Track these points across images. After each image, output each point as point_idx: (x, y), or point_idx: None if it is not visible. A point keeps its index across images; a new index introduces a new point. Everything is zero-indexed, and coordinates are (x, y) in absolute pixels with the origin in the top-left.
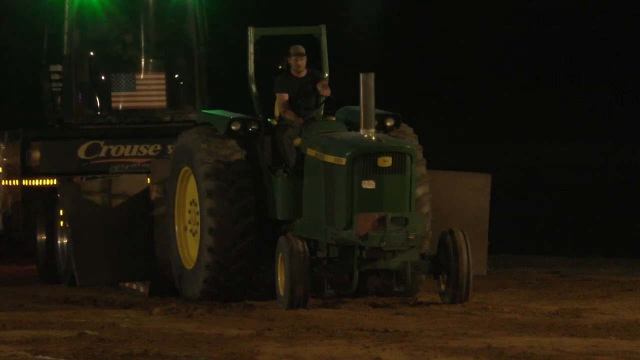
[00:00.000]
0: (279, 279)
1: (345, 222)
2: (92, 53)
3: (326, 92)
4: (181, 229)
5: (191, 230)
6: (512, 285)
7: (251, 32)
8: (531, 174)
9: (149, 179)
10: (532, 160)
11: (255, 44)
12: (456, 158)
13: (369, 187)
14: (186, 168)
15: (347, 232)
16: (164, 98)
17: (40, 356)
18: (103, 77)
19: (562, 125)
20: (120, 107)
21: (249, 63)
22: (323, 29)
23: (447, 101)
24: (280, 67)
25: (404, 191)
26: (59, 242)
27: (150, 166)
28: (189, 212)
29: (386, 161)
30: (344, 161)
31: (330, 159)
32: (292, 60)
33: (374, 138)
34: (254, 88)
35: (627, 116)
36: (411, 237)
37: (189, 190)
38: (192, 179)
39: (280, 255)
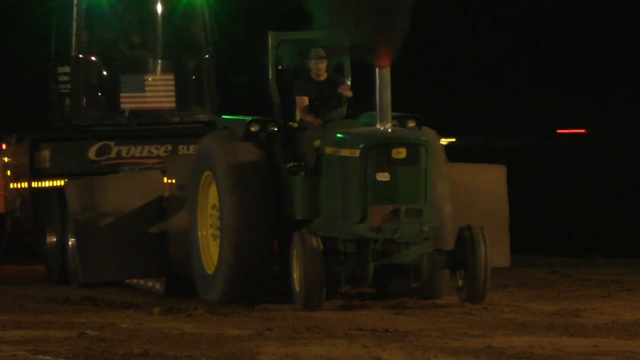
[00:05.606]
0: (294, 275)
1: (359, 215)
2: (100, 54)
3: (348, 93)
4: (203, 234)
5: (213, 235)
6: (512, 285)
7: (271, 36)
8: (531, 174)
9: (165, 178)
10: (531, 159)
11: (275, 49)
12: (455, 157)
13: (384, 179)
14: (207, 172)
15: (361, 226)
16: (173, 99)
17: (40, 356)
18: (111, 78)
19: (562, 125)
20: (129, 108)
21: (270, 68)
22: (346, 32)
23: (446, 99)
24: (280, 67)
25: (419, 183)
26: (70, 243)
27: (165, 161)
28: (211, 216)
29: (400, 152)
30: (357, 153)
31: (345, 152)
32: (312, 64)
33: (393, 130)
34: (274, 93)
35: (627, 116)
36: (425, 228)
37: (211, 195)
38: (214, 184)
39: (295, 252)
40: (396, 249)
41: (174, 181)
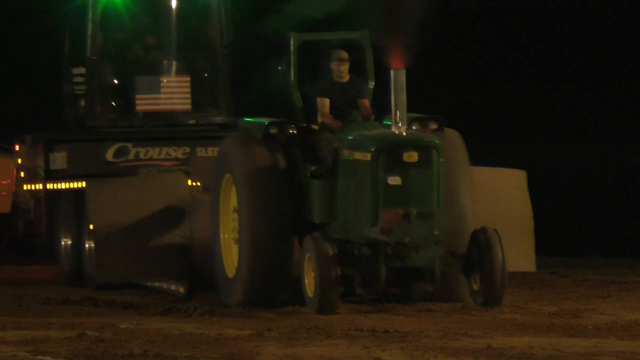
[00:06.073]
0: (306, 281)
1: (371, 218)
2: (115, 55)
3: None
4: (225, 237)
5: (234, 238)
6: (512, 285)
7: (293, 37)
8: (531, 174)
9: (190, 181)
10: (532, 160)
11: (297, 51)
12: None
13: (395, 182)
14: (228, 175)
15: (373, 229)
16: (189, 101)
17: (40, 356)
18: (126, 80)
19: (562, 125)
20: (144, 109)
21: (291, 71)
22: (368, 33)
23: (446, 100)
24: (279, 67)
25: (431, 186)
26: (86, 245)
27: (191, 163)
28: (232, 219)
29: (412, 156)
30: (369, 156)
31: (357, 155)
32: (334, 65)
33: (404, 133)
34: (296, 96)
35: (627, 116)
36: (436, 232)
37: (232, 197)
38: (235, 186)
39: (308, 256)
40: (406, 253)
41: (199, 184)
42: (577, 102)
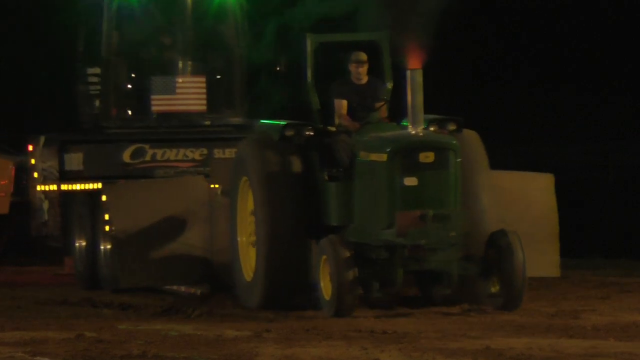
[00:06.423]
0: (322, 283)
1: (387, 220)
2: (130, 55)
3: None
4: (242, 240)
5: (251, 241)
6: None
7: (309, 39)
8: None
9: (210, 184)
10: (531, 160)
11: (315, 52)
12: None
13: (411, 184)
14: (245, 178)
15: (389, 232)
16: (204, 102)
17: (38, 357)
18: (142, 80)
19: (562, 125)
20: (159, 110)
21: (308, 72)
22: (386, 34)
23: (446, 100)
24: (277, 68)
25: (448, 187)
26: (102, 247)
27: (211, 165)
28: (250, 222)
29: (428, 157)
30: (385, 157)
31: (373, 156)
32: (352, 67)
33: (420, 134)
34: (313, 97)
35: (627, 116)
36: (453, 234)
37: (250, 200)
38: (251, 189)
39: (324, 258)
40: (423, 255)
41: (217, 186)
42: (577, 102)
